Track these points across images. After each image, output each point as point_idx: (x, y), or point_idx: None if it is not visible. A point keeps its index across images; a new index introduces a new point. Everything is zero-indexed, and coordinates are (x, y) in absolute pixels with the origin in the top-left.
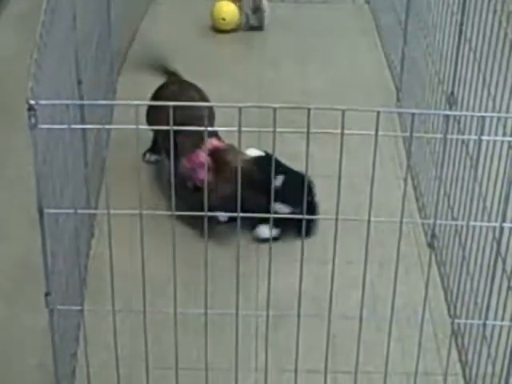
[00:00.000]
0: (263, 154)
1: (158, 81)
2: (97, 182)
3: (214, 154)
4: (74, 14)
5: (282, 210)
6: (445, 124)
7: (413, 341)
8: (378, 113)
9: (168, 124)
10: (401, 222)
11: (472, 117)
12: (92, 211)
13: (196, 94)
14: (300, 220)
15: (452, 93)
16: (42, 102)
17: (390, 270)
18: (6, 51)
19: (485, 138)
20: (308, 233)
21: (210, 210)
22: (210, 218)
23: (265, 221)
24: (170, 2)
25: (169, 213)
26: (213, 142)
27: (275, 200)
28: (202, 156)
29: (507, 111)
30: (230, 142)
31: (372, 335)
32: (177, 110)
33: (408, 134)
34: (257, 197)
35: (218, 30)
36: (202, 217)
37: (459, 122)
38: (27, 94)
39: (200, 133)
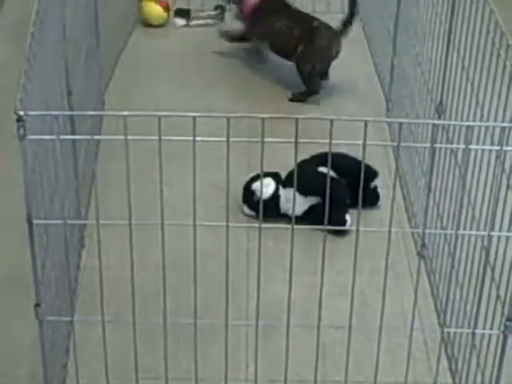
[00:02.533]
0: (274, 183)
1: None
2: (87, 193)
3: None
4: (63, 25)
5: None
6: (433, 133)
7: (402, 350)
8: (366, 122)
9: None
10: (389, 231)
11: (460, 126)
12: (81, 222)
13: None
14: None
15: (441, 102)
16: (31, 112)
17: (379, 279)
18: None
19: (473, 147)
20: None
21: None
22: None
23: None
24: None
25: (158, 223)
26: None
27: None
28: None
29: (495, 120)
30: None
31: (362, 344)
32: None
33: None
34: None
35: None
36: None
37: (448, 131)
38: (16, 104)
39: None
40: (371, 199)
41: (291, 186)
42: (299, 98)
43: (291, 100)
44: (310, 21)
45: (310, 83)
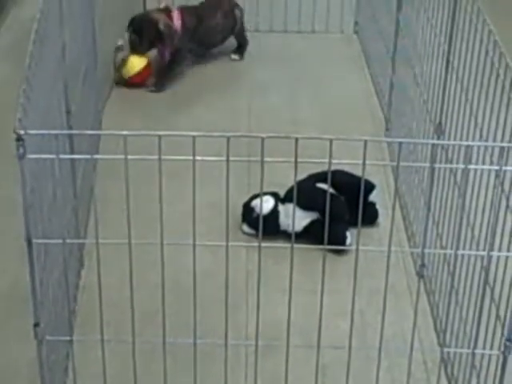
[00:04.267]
0: (273, 199)
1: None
2: (85, 212)
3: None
4: (63, 45)
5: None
6: (432, 153)
7: (402, 370)
8: (365, 142)
9: None
10: (389, 251)
11: (460, 146)
12: (80, 241)
13: None
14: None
15: (440, 122)
16: (31, 131)
17: (379, 298)
18: None
19: (472, 166)
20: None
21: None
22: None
23: None
24: None
25: (158, 242)
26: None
27: None
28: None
29: (494, 140)
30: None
31: (362, 365)
32: None
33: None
34: None
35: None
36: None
37: (447, 151)
38: (15, 124)
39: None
40: (370, 216)
41: (290, 201)
42: (243, 52)
43: (240, 58)
44: None
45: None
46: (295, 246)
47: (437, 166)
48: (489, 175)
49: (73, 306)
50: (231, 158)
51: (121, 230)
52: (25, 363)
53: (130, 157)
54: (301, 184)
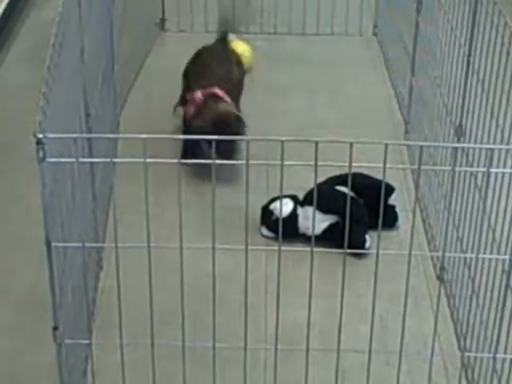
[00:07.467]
0: (292, 202)
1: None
2: (104, 214)
3: (208, 97)
4: (82, 48)
5: None
6: (453, 156)
7: (422, 374)
8: (386, 145)
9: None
10: (409, 255)
11: (480, 149)
12: (100, 245)
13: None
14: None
15: (460, 124)
16: (50, 135)
17: (399, 302)
18: (16, 83)
19: (493, 170)
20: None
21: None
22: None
23: None
24: (177, 35)
25: (177, 246)
26: (214, 90)
27: None
28: (198, 95)
29: None
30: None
31: (381, 369)
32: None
33: (416, 166)
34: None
35: None
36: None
37: (467, 154)
38: (35, 127)
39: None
40: (390, 219)
41: (309, 204)
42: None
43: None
44: None
45: None
46: (315, 249)
47: (458, 169)
48: (510, 178)
49: (92, 308)
50: (250, 161)
51: (140, 233)
52: (44, 366)
53: (148, 160)
54: (320, 187)
